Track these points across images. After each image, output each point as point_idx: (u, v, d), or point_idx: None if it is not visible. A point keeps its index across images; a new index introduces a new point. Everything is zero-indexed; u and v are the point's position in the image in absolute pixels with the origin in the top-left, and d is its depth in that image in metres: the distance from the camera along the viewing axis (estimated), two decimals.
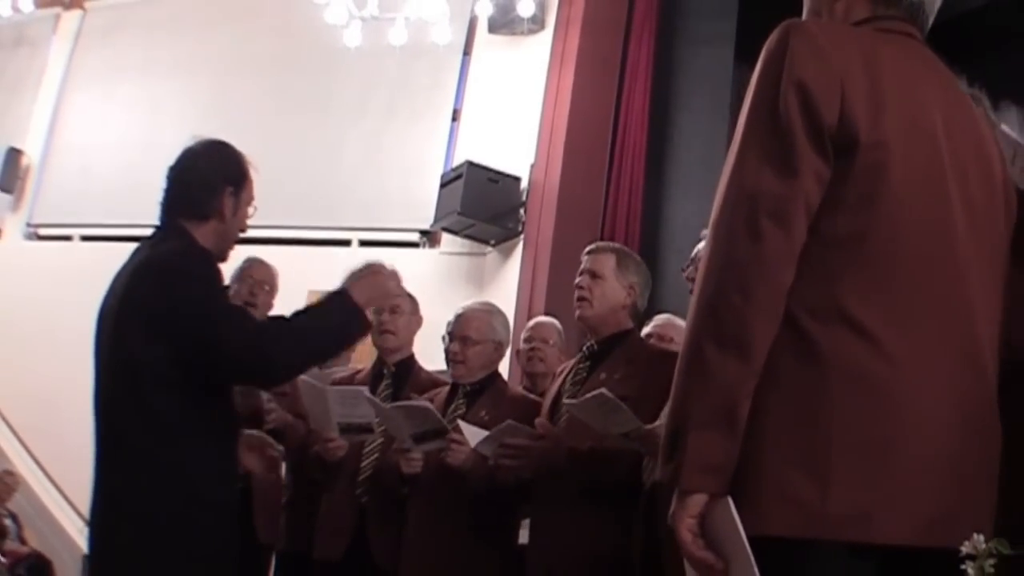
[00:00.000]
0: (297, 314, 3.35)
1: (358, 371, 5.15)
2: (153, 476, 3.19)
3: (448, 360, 4.72)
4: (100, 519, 3.31)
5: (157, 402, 3.20)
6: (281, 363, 3.32)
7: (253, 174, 3.56)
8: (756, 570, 1.83)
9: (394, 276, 3.56)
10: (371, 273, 3.49)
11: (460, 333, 4.67)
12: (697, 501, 1.92)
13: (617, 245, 4.74)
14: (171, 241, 3.38)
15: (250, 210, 3.55)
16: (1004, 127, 2.71)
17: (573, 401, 3.85)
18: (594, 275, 4.22)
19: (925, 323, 1.99)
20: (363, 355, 5.74)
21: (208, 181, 3.44)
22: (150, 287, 3.26)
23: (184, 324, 3.18)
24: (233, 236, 3.52)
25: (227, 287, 3.35)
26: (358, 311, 3.38)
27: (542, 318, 5.61)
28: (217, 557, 3.29)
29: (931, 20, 2.27)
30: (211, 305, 3.25)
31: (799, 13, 2.35)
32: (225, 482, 3.39)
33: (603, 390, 3.67)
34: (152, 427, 3.21)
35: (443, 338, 4.81)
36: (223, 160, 3.52)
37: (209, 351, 3.18)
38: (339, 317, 3.37)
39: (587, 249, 4.38)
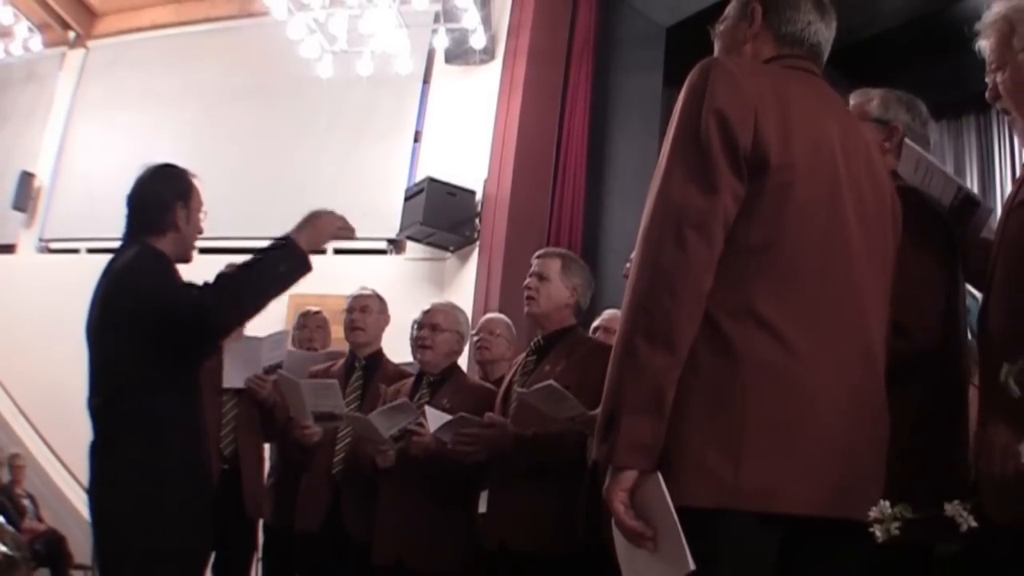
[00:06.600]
0: (244, 265, 3.36)
1: (332, 364, 5.15)
2: (137, 446, 3.29)
3: (417, 346, 4.72)
4: (95, 489, 3.51)
5: (137, 385, 3.30)
6: (221, 317, 3.35)
7: (197, 184, 3.60)
8: (683, 538, 1.84)
9: (336, 216, 3.53)
10: (314, 218, 3.49)
11: (430, 321, 4.67)
12: (629, 476, 1.93)
13: (562, 250, 4.74)
14: (128, 251, 3.43)
15: (202, 215, 3.60)
16: (907, 141, 2.74)
17: (526, 390, 3.85)
18: (541, 277, 4.22)
19: (825, 322, 2.02)
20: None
21: (161, 200, 3.49)
22: (114, 291, 3.37)
23: (143, 304, 3.25)
24: (191, 240, 3.58)
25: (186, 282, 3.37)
26: (302, 256, 3.38)
27: (490, 314, 5.65)
28: (195, 501, 3.38)
29: (826, 57, 2.33)
30: (160, 284, 3.30)
31: None
32: (196, 443, 3.43)
33: (551, 381, 3.68)
34: (133, 404, 3.30)
35: (412, 325, 4.81)
36: (170, 179, 3.57)
37: (165, 319, 3.23)
38: (282, 264, 3.37)
39: (536, 254, 4.39)
